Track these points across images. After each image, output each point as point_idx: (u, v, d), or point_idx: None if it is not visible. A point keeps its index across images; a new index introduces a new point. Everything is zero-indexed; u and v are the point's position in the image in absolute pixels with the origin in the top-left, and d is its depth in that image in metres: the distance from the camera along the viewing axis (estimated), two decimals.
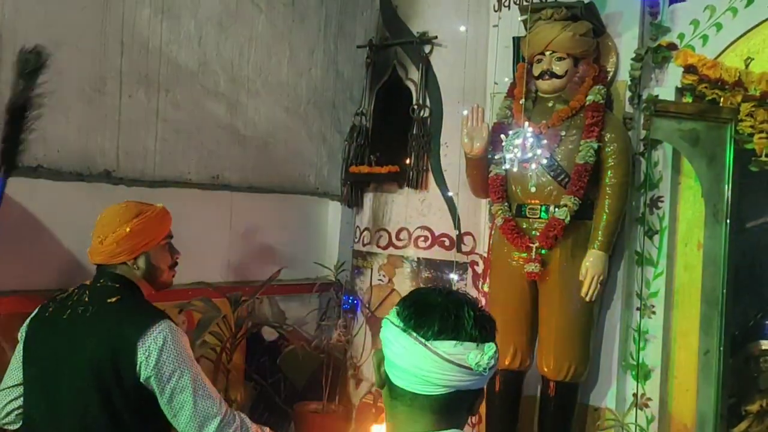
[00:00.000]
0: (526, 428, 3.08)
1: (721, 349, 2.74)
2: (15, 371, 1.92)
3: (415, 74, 3.44)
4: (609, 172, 2.83)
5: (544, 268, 2.85)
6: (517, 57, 3.17)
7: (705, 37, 2.86)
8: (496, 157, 2.94)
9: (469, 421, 3.28)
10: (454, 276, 3.17)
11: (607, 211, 2.82)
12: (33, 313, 1.95)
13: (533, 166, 2.52)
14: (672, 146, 2.89)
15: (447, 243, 3.35)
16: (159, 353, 1.73)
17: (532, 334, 2.97)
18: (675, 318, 2.91)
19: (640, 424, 2.78)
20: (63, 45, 3.26)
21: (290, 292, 4.27)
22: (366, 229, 3.58)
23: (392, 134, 3.53)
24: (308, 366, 4.00)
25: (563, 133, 2.91)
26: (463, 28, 3.29)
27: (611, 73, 3.03)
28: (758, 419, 3.65)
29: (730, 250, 2.78)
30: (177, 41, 3.74)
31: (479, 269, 3.34)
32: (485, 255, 3.27)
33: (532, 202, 2.92)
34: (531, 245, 2.88)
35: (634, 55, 2.95)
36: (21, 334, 1.94)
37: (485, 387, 1.16)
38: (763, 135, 2.71)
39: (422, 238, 3.38)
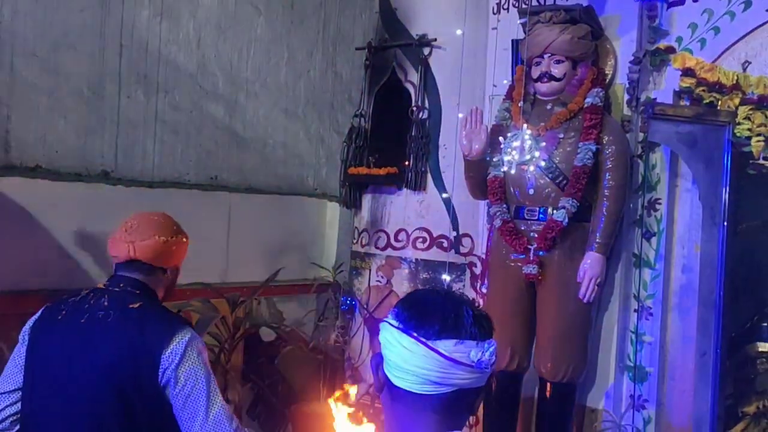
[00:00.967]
0: (524, 430, 3.09)
1: (718, 350, 2.75)
2: (14, 375, 1.84)
3: (414, 76, 3.45)
4: (607, 175, 2.84)
5: (542, 269, 2.86)
6: (516, 59, 3.19)
7: (703, 41, 2.88)
8: (494, 159, 2.95)
9: (466, 423, 3.29)
10: (446, 276, 3.17)
11: (605, 213, 2.83)
12: (37, 316, 1.88)
13: (531, 168, 2.53)
14: (670, 149, 2.90)
15: (445, 244, 3.36)
16: (181, 359, 1.73)
17: (530, 335, 2.98)
18: (672, 320, 2.91)
19: (636, 425, 2.79)
20: (61, 46, 3.27)
21: (288, 293, 4.27)
22: (364, 230, 3.59)
23: (391, 136, 3.54)
24: (306, 367, 4.01)
25: (561, 136, 2.92)
26: (461, 31, 3.30)
27: (609, 76, 3.04)
28: (755, 421, 3.66)
29: (727, 252, 2.79)
30: (176, 42, 3.75)
31: (477, 270, 3.35)
32: (483, 256, 3.28)
33: (531, 204, 2.93)
34: (529, 247, 2.89)
35: (632, 58, 2.96)
36: (23, 337, 1.86)
37: (484, 386, 1.16)
38: (761, 138, 2.72)
39: (420, 240, 3.39)
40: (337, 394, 2.54)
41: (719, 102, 2.79)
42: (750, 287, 3.98)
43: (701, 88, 2.82)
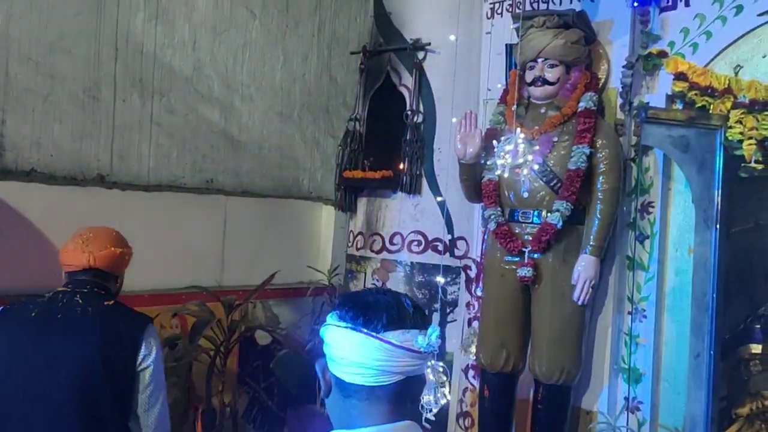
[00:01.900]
0: (519, 430, 3.10)
1: (712, 352, 2.77)
2: None
3: (408, 80, 3.47)
4: (601, 178, 2.86)
5: (537, 272, 2.88)
6: (510, 64, 3.20)
7: (695, 45, 2.90)
8: (488, 163, 2.97)
9: (461, 424, 3.30)
10: (441, 279, 3.19)
11: (598, 216, 2.85)
12: None
13: (525, 171, 2.54)
14: (663, 152, 2.92)
15: (440, 247, 3.37)
16: (158, 349, 2.08)
17: (525, 337, 2.99)
18: (666, 322, 2.93)
19: (631, 427, 2.81)
20: (57, 50, 3.27)
21: (284, 296, 4.28)
22: (360, 233, 3.60)
23: (386, 139, 3.56)
24: (302, 370, 4.01)
25: (555, 139, 2.93)
26: (455, 35, 3.32)
27: (603, 80, 3.06)
28: (748, 422, 3.68)
29: (720, 255, 2.81)
30: (171, 46, 3.76)
31: (472, 273, 3.36)
32: (478, 259, 3.29)
33: (525, 207, 2.94)
34: (524, 250, 2.90)
35: (625, 63, 2.98)
36: None
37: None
38: (752, 141, 2.74)
39: (415, 243, 3.40)
40: None
41: (711, 106, 2.81)
42: (743, 289, 4.01)
43: (693, 92, 2.85)
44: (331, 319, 1.25)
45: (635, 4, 2.96)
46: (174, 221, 3.70)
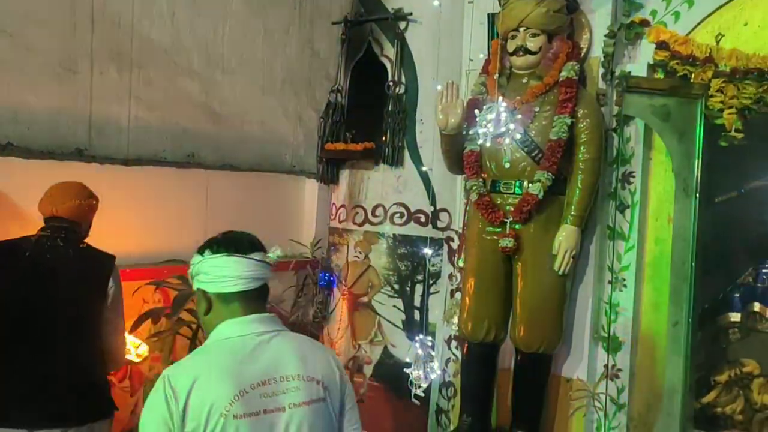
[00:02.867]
0: (501, 400, 3.13)
1: (690, 320, 2.80)
2: None
3: (390, 51, 3.43)
4: (582, 148, 2.86)
5: (518, 242, 2.88)
6: (492, 33, 3.17)
7: (677, 14, 2.89)
8: (470, 133, 2.95)
9: (444, 394, 3.32)
10: (428, 251, 3.19)
11: (580, 186, 2.85)
12: None
13: (507, 141, 2.53)
14: (644, 122, 2.92)
15: (423, 219, 3.36)
16: (117, 279, 2.65)
17: (507, 307, 3.01)
18: (645, 291, 2.95)
19: (610, 394, 2.84)
20: (31, 21, 3.20)
21: None
22: (342, 206, 3.58)
23: (368, 111, 3.53)
24: None
25: (537, 109, 2.92)
26: (437, 4, 3.28)
27: (585, 50, 3.05)
28: (726, 389, 3.73)
29: (700, 224, 2.83)
30: (149, 17, 3.69)
31: (455, 245, 3.36)
32: (460, 231, 3.29)
33: (507, 177, 2.94)
34: (505, 220, 2.91)
35: (607, 32, 2.96)
36: None
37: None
38: (733, 110, 2.75)
39: (398, 215, 3.39)
40: None
41: (692, 75, 2.81)
42: (723, 259, 4.04)
43: (675, 62, 2.84)
44: (207, 254, 1.76)
45: None
46: (154, 196, 3.66)
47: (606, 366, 2.86)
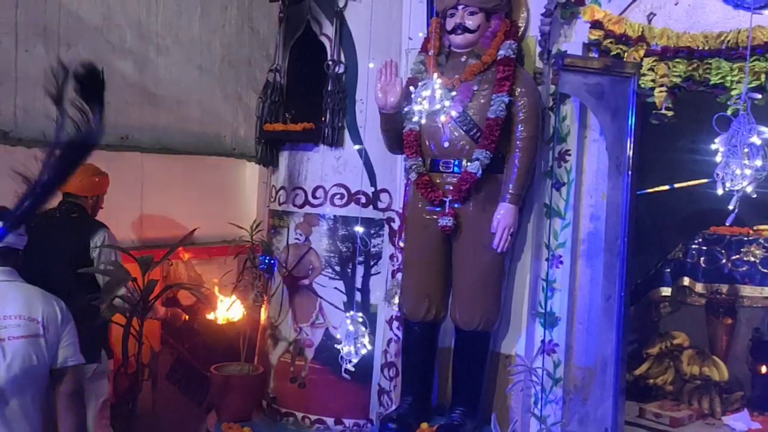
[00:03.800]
0: (442, 379, 3.15)
1: (622, 294, 2.85)
2: None
3: (329, 29, 3.37)
4: (520, 126, 2.88)
5: (457, 221, 2.89)
6: (431, 12, 3.15)
7: None
8: (406, 109, 2.93)
9: (386, 374, 3.32)
10: (359, 228, 3.17)
11: (517, 164, 2.87)
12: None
13: (443, 118, 2.52)
14: (579, 101, 2.95)
15: (363, 200, 3.34)
16: (105, 243, 3.30)
17: (447, 286, 3.02)
18: (580, 267, 3.00)
19: (547, 368, 2.88)
20: None
21: (207, 254, 4.19)
22: (282, 188, 3.52)
23: (307, 91, 3.47)
24: (225, 328, 3.95)
25: (475, 88, 2.93)
26: None
27: (522, 29, 3.07)
28: (658, 361, 3.86)
29: (632, 200, 2.88)
30: None
31: (395, 226, 3.35)
32: (401, 211, 3.28)
33: (446, 156, 2.94)
34: (444, 199, 2.91)
35: (543, 11, 2.98)
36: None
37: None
38: (663, 89, 2.79)
39: (338, 196, 3.36)
40: None
41: (625, 54, 2.85)
42: (654, 235, 4.17)
43: (609, 41, 2.87)
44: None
45: None
46: None
47: (543, 341, 2.89)
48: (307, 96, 3.47)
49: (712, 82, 2.70)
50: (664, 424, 3.58)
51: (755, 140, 2.09)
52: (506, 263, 2.98)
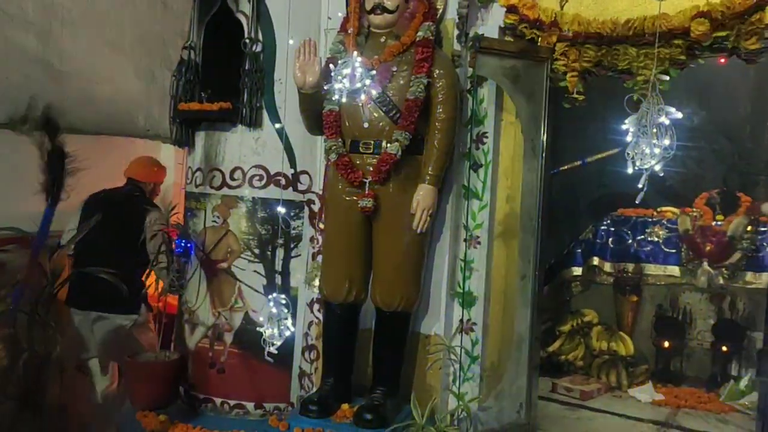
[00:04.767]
0: (363, 361, 3.16)
1: (537, 273, 2.94)
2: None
3: (246, 6, 3.28)
4: (438, 108, 2.90)
5: (377, 203, 2.89)
6: None
7: None
8: (326, 88, 2.90)
9: (307, 357, 3.31)
10: (281, 210, 3.13)
11: (436, 146, 2.90)
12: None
13: (363, 98, 2.51)
14: (496, 84, 3.01)
15: (283, 182, 3.28)
16: (154, 223, 3.64)
17: (367, 268, 3.02)
18: (497, 247, 3.08)
19: (465, 347, 2.94)
20: None
21: None
22: (198, 169, 3.42)
23: (224, 70, 3.37)
24: None
25: (395, 69, 2.93)
26: None
27: (440, 11, 3.08)
28: (569, 338, 4.04)
29: (545, 181, 2.97)
30: None
31: (316, 208, 3.32)
32: (321, 193, 3.26)
33: (366, 137, 2.93)
34: (364, 180, 2.90)
35: None
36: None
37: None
38: (575, 73, 2.89)
39: (257, 178, 3.29)
40: None
41: (539, 39, 2.93)
42: (568, 216, 4.34)
43: (523, 25, 2.94)
44: None
45: None
46: None
47: (461, 320, 2.95)
48: (223, 75, 3.37)
49: (619, 68, 2.82)
50: (575, 398, 3.75)
51: (664, 120, 2.19)
52: (425, 244, 3.00)
